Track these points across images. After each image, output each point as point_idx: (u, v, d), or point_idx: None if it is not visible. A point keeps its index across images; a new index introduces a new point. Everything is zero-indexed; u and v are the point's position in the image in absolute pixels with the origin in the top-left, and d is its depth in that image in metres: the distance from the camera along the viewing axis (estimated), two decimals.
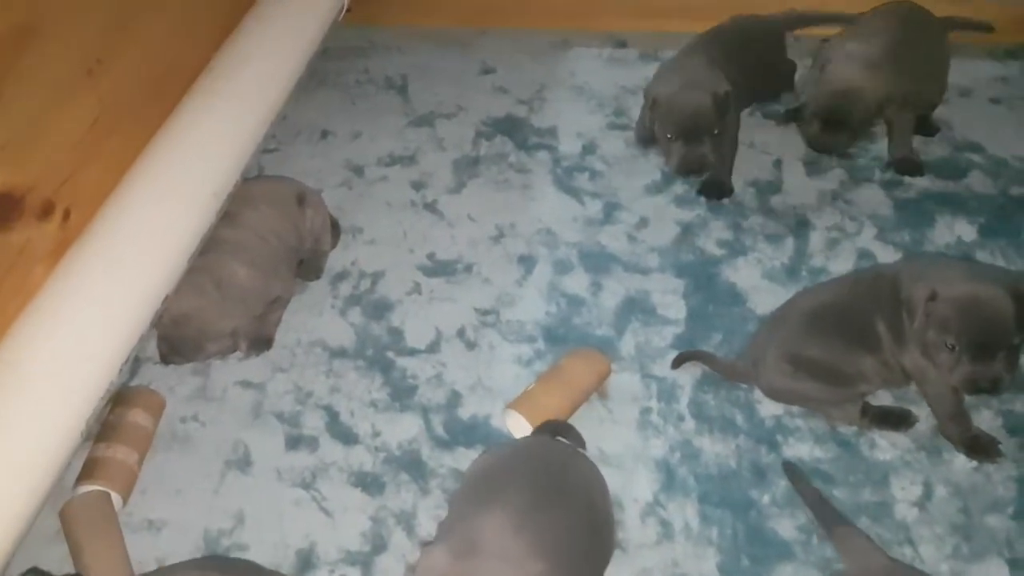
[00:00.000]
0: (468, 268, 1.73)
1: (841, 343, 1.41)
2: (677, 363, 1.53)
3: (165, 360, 1.51)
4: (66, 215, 1.39)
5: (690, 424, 1.47)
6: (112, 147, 1.49)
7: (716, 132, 1.78)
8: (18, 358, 1.24)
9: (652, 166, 1.93)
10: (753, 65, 1.92)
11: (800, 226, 1.79)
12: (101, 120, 1.46)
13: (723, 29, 1.97)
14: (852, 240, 1.76)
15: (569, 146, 1.99)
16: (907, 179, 1.88)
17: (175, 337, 1.48)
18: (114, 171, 1.49)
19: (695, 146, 1.78)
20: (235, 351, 1.57)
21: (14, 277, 1.30)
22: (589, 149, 1.98)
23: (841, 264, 1.71)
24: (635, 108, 2.07)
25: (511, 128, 2.05)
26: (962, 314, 1.29)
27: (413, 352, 1.59)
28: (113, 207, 1.45)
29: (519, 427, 1.43)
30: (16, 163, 1.28)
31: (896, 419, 1.44)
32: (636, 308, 1.65)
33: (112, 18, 1.49)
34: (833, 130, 1.81)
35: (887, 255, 1.72)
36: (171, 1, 1.66)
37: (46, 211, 1.35)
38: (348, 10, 2.10)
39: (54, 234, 1.37)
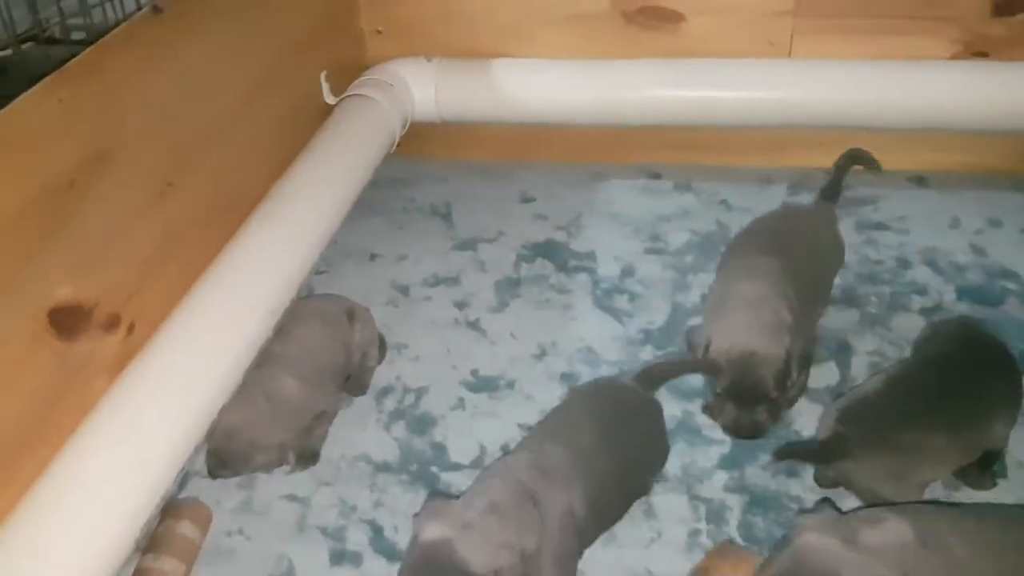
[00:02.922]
0: (511, 385, 1.76)
1: None
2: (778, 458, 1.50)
3: (213, 474, 1.52)
4: (130, 329, 1.44)
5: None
6: (177, 266, 1.56)
7: None
8: (77, 467, 1.27)
9: (693, 290, 1.97)
10: None
11: (842, 350, 1.81)
12: (168, 240, 1.54)
13: None
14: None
15: (608, 269, 2.05)
16: (944, 305, 1.89)
17: (226, 449, 1.50)
18: (177, 288, 1.55)
19: None
20: (282, 464, 1.58)
21: (77, 386, 1.34)
22: (627, 272, 2.03)
23: None
24: (670, 234, 2.14)
25: (551, 252, 2.12)
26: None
27: (457, 467, 1.60)
28: (174, 322, 1.50)
29: None
30: (87, 277, 1.35)
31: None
32: (681, 428, 1.65)
33: (183, 147, 1.59)
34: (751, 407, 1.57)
35: None
36: (237, 134, 1.77)
37: (112, 324, 1.41)
38: (397, 145, 2.23)
39: (117, 346, 1.42)
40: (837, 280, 1.95)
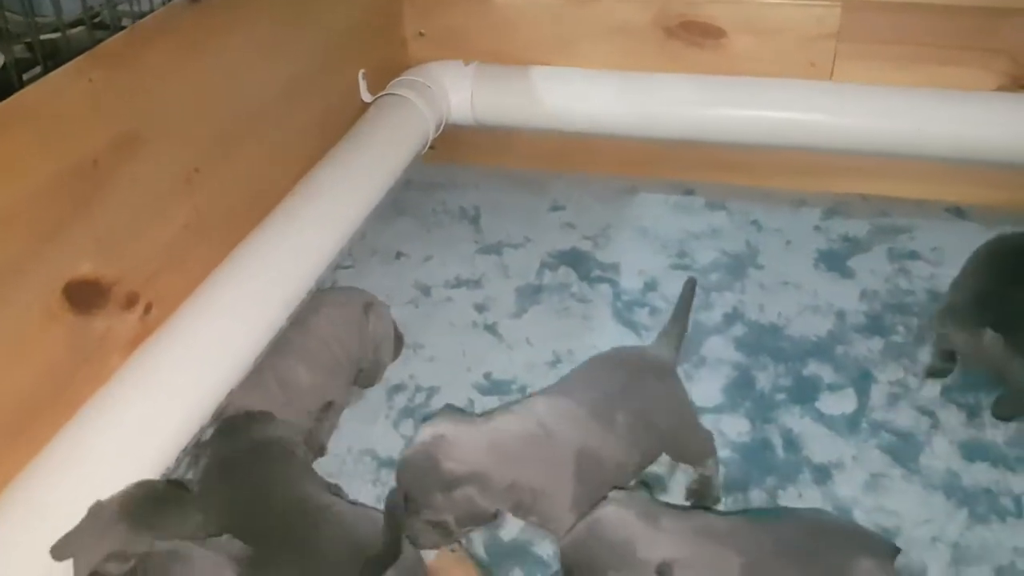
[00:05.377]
0: (522, 390, 1.75)
1: None
2: None
3: None
4: (148, 308, 1.48)
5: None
6: (199, 251, 1.59)
7: None
8: (81, 439, 1.29)
9: (715, 309, 1.95)
10: None
11: (862, 378, 1.77)
12: (192, 225, 1.57)
13: None
14: (913, 397, 1.72)
15: (631, 282, 2.04)
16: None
17: None
18: (198, 273, 1.58)
19: None
20: None
21: (92, 362, 1.37)
22: (651, 286, 2.02)
23: (902, 420, 1.68)
24: (698, 252, 2.12)
25: (575, 261, 2.11)
26: None
27: None
28: (192, 306, 1.53)
29: None
30: (109, 255, 1.38)
31: None
32: None
33: (214, 136, 1.63)
34: None
35: (950, 415, 1.68)
36: (270, 126, 1.80)
37: (130, 302, 1.44)
38: (432, 147, 2.24)
39: (134, 325, 1.45)
40: (864, 307, 1.93)
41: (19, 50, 1.51)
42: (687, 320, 1.66)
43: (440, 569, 1.38)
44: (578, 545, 1.20)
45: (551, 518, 1.36)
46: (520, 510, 1.36)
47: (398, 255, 2.15)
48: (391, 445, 1.64)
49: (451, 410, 1.51)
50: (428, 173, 2.39)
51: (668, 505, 1.27)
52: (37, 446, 1.27)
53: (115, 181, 1.37)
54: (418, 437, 1.35)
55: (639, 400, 1.45)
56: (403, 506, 1.30)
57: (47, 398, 1.29)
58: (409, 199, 2.32)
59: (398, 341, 1.83)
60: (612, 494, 1.24)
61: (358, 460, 1.62)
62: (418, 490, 1.31)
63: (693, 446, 1.53)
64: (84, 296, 1.32)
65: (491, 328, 1.92)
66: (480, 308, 1.97)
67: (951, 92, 2.10)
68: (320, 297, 1.74)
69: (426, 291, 2.03)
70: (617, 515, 1.20)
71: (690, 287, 1.67)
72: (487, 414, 1.44)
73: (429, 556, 1.38)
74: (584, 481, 1.35)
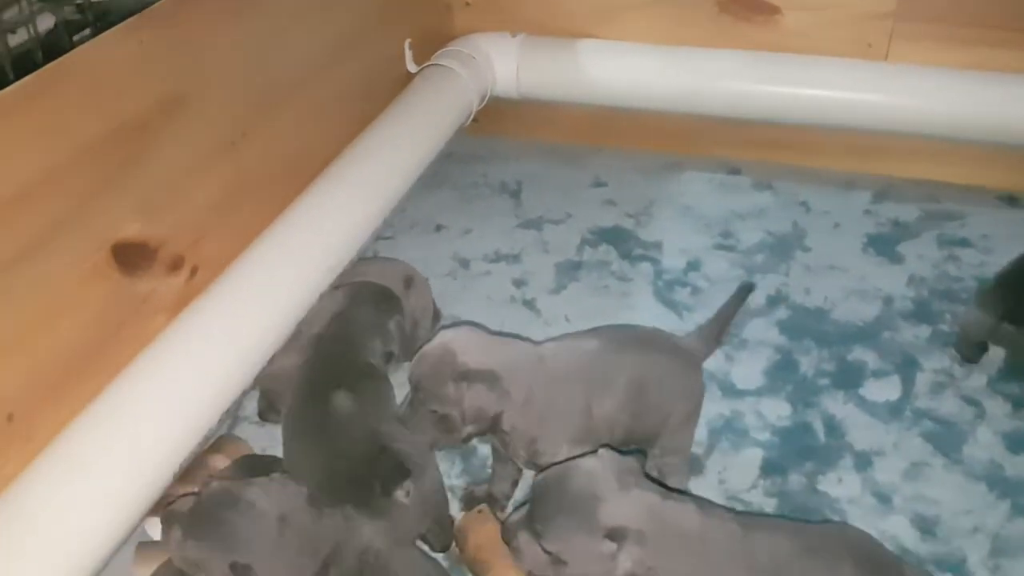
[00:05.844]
0: None
1: None
2: None
3: (262, 416, 1.56)
4: (193, 271, 1.48)
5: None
6: (244, 215, 1.60)
7: None
8: (125, 399, 1.31)
9: (759, 291, 1.92)
10: None
11: (907, 365, 1.74)
12: (237, 189, 1.58)
13: None
14: (958, 386, 1.69)
15: (673, 261, 2.01)
16: None
17: (273, 391, 1.54)
18: (242, 238, 1.59)
19: None
20: None
21: (136, 322, 1.38)
22: (693, 266, 1.99)
23: (947, 409, 1.64)
24: (743, 232, 2.09)
25: (616, 238, 2.09)
26: None
27: None
28: (237, 270, 1.54)
29: None
30: (155, 217, 1.39)
31: None
32: (727, 428, 1.62)
33: (260, 99, 1.63)
34: None
35: (995, 405, 1.65)
36: (315, 92, 1.79)
37: (176, 265, 1.45)
38: (475, 120, 2.23)
39: (180, 288, 1.46)
40: (912, 294, 1.89)
41: (70, 11, 1.52)
42: (730, 322, 1.61)
43: (466, 529, 1.39)
44: (547, 482, 1.18)
45: (543, 450, 1.34)
46: (515, 433, 1.35)
47: (438, 227, 2.15)
48: None
49: (470, 324, 1.50)
50: (470, 145, 2.37)
51: (656, 482, 1.24)
52: (77, 402, 1.28)
53: (162, 142, 1.38)
54: (437, 338, 1.36)
55: (649, 374, 1.41)
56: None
57: (91, 356, 1.30)
58: (451, 171, 2.31)
59: (435, 314, 1.82)
60: (601, 451, 1.21)
61: None
62: (431, 379, 1.31)
63: (675, 440, 1.47)
64: (131, 257, 1.34)
65: (529, 303, 1.91)
66: (518, 283, 1.97)
67: (1007, 75, 2.03)
68: (362, 266, 1.74)
69: (465, 264, 2.03)
70: (595, 470, 1.17)
71: (743, 292, 1.63)
72: (504, 335, 1.45)
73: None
74: (578, 419, 1.36)
